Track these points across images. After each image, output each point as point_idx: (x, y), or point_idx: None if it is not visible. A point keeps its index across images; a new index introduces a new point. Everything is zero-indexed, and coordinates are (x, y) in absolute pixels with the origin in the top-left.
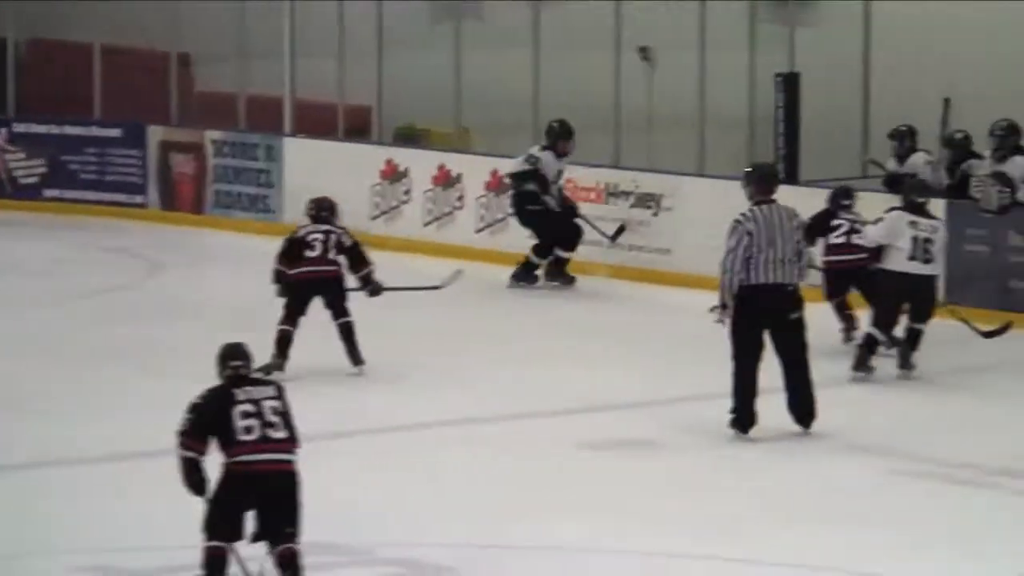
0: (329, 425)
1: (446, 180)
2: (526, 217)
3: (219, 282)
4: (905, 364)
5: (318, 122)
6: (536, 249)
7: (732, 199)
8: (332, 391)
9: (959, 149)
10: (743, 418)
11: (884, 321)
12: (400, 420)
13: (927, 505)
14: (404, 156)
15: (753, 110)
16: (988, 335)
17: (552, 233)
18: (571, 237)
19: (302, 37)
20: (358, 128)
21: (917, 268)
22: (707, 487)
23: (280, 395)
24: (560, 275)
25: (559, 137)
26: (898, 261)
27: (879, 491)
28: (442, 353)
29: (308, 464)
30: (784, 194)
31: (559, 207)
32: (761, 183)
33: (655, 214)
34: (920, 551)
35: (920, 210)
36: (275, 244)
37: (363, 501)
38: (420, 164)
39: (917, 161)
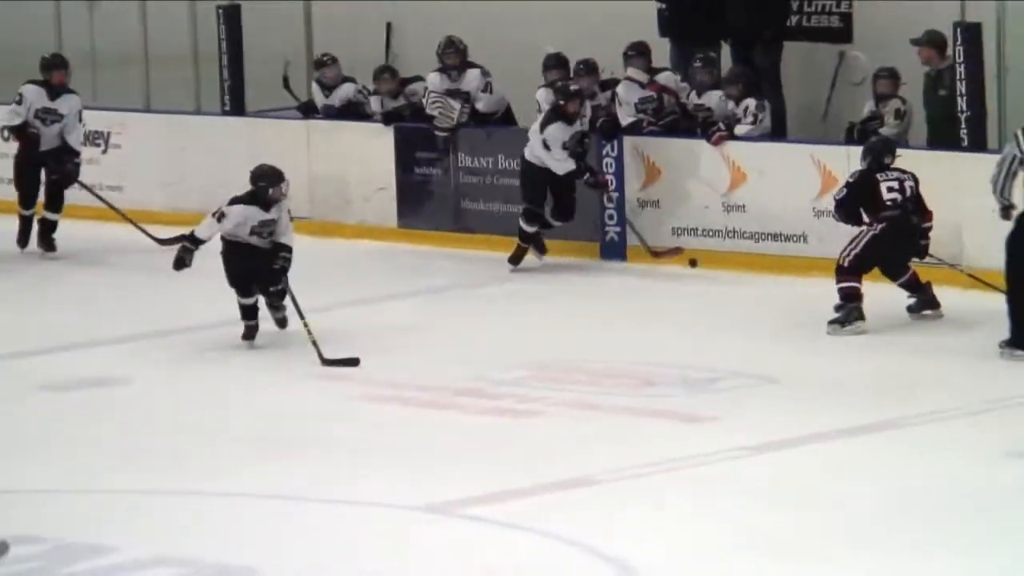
0: None
1: None
2: None
3: None
4: None
5: None
6: None
7: (180, 134)
8: None
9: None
10: None
11: None
12: None
13: (389, 428)
14: None
15: (196, 44)
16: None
17: None
18: None
19: None
20: None
21: None
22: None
23: None
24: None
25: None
26: None
27: (344, 416)
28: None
29: None
30: (232, 126)
31: None
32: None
33: (104, 151)
34: (370, 472)
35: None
36: None
37: None
38: None
39: (348, 91)
